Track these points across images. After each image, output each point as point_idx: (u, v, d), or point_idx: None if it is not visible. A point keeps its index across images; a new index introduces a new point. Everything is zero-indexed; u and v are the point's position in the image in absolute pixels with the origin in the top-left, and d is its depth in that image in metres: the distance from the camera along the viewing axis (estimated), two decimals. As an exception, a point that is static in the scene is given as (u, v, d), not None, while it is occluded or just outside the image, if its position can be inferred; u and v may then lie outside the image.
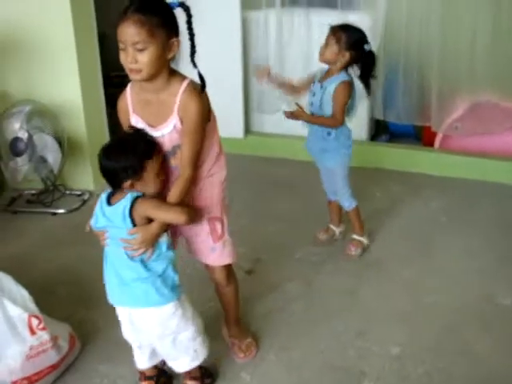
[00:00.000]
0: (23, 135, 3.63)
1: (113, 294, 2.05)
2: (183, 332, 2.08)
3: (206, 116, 1.97)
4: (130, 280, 1.97)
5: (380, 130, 4.75)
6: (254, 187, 4.03)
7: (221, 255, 2.26)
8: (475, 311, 2.72)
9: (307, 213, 3.67)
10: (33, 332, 2.25)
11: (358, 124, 4.39)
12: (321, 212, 3.48)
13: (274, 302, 2.82)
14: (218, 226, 2.21)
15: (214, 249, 2.23)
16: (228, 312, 2.47)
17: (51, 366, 2.31)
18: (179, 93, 1.92)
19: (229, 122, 4.49)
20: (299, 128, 4.55)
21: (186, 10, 1.92)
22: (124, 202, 1.91)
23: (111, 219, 1.93)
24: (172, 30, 1.87)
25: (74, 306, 2.76)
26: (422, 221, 3.58)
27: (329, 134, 2.97)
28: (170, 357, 2.17)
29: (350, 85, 2.90)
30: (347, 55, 2.86)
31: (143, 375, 2.26)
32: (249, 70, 4.53)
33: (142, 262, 1.96)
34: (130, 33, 1.82)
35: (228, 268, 2.33)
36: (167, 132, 1.98)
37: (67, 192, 3.98)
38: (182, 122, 1.94)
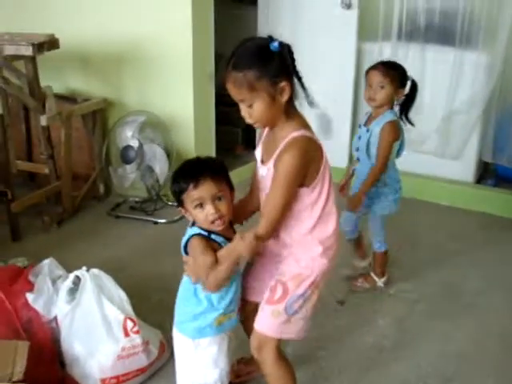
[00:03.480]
0: (134, 144, 3.78)
1: None
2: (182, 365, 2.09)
3: (299, 176, 1.82)
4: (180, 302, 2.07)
5: (487, 174, 4.60)
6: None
7: (262, 319, 2.00)
8: None
9: (403, 249, 3.59)
10: (126, 334, 2.32)
11: (465, 165, 4.31)
12: (418, 249, 3.43)
13: (364, 336, 2.77)
14: (279, 291, 1.97)
15: (263, 308, 2.01)
16: None
17: (139, 369, 2.36)
18: (285, 140, 1.83)
19: (334, 151, 4.51)
20: (405, 163, 4.53)
21: (287, 49, 1.80)
22: (186, 235, 1.93)
23: None
24: (276, 74, 1.77)
25: (167, 314, 2.79)
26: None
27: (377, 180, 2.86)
28: None
29: (397, 124, 2.81)
30: (401, 93, 2.78)
31: None
32: (359, 101, 4.52)
33: (195, 290, 1.98)
34: (233, 92, 1.82)
35: (264, 340, 2.01)
36: (264, 173, 1.93)
37: (169, 203, 4.08)
38: (275, 171, 1.85)
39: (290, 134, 1.83)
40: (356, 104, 4.53)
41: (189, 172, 1.90)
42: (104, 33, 4.06)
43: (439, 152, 4.29)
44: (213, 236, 1.90)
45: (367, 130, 2.85)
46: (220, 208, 1.86)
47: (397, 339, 2.76)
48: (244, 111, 1.84)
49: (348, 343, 2.72)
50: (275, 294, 1.98)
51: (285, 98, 1.81)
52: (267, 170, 1.90)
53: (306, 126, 1.88)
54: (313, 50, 4.36)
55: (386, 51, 4.34)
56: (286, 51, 1.79)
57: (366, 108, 4.48)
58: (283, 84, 1.78)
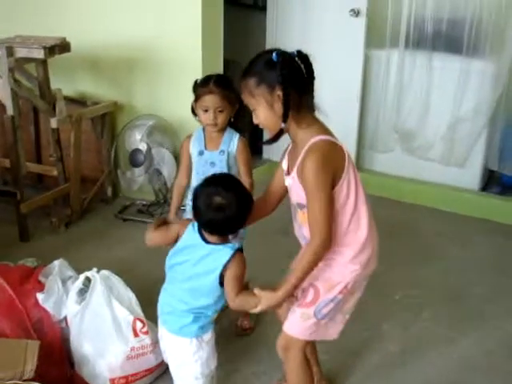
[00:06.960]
0: (143, 147, 3.81)
1: (161, 313, 2.12)
2: (188, 366, 2.10)
3: (327, 176, 1.84)
4: (179, 311, 2.04)
5: (492, 181, 4.62)
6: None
7: (292, 322, 2.06)
8: None
9: (409, 255, 3.61)
10: (136, 334, 2.35)
11: (470, 173, 4.32)
12: (423, 255, 3.48)
13: (369, 340, 2.80)
14: (310, 295, 2.01)
15: (294, 311, 2.06)
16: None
17: (148, 370, 2.39)
18: (305, 149, 1.87)
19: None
20: (410, 170, 4.54)
21: (290, 60, 1.87)
22: (225, 254, 1.93)
23: (199, 257, 1.97)
24: (273, 83, 1.83)
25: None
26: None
27: None
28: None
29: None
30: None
31: None
32: (365, 106, 4.55)
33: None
34: (242, 97, 1.95)
35: (290, 342, 2.08)
36: (290, 183, 1.97)
37: (176, 206, 4.10)
38: (300, 180, 1.89)
39: (309, 140, 1.87)
40: (362, 110, 4.55)
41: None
42: (114, 37, 4.08)
43: (445, 159, 4.31)
44: None
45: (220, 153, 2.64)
46: None
47: (402, 345, 2.78)
48: (252, 115, 1.95)
49: (352, 347, 2.74)
50: (307, 297, 2.02)
51: (280, 106, 1.84)
52: (292, 179, 1.95)
53: (324, 131, 1.92)
54: (321, 57, 4.32)
55: (393, 58, 4.38)
56: (287, 61, 1.85)
57: (371, 114, 4.56)
58: (279, 93, 1.83)
